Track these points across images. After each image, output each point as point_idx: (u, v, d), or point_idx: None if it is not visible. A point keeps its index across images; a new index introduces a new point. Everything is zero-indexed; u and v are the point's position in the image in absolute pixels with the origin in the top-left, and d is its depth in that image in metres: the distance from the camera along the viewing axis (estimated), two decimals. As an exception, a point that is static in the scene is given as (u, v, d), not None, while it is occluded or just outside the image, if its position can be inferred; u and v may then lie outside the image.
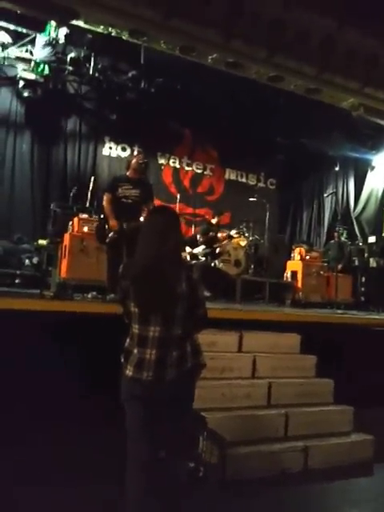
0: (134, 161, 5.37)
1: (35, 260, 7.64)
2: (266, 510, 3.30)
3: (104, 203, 5.28)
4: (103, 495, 3.08)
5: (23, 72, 8.49)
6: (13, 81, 8.67)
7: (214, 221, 8.43)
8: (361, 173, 11.88)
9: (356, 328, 5.81)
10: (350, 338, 5.41)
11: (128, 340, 2.49)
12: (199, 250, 7.84)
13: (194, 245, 7.91)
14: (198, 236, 8.06)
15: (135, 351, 2.41)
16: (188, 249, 7.80)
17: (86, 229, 6.99)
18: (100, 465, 3.38)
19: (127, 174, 5.38)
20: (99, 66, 9.02)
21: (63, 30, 8.27)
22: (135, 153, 9.56)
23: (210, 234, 8.08)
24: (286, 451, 3.96)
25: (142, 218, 5.03)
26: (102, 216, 5.32)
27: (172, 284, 2.37)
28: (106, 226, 5.15)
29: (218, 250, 7.81)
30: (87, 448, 3.56)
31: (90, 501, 3.07)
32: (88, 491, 3.17)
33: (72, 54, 8.76)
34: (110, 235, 5.07)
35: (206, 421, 3.68)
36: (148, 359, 2.37)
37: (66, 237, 7.05)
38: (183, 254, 7.45)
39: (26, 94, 8.61)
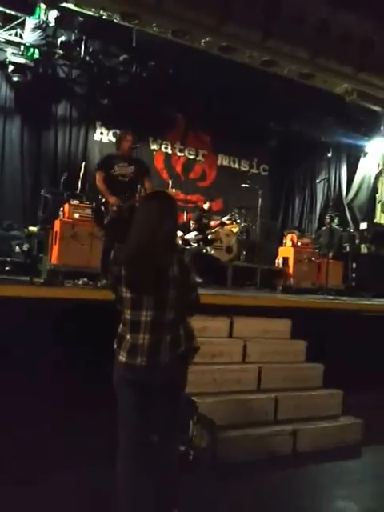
0: (124, 143, 5.28)
1: (25, 247, 7.57)
2: (255, 493, 3.35)
3: (97, 182, 5.14)
4: (95, 479, 3.11)
5: (12, 56, 8.35)
6: (2, 65, 8.51)
7: (205, 206, 8.42)
8: (353, 159, 11.88)
9: (346, 314, 5.85)
10: (340, 323, 5.45)
11: (121, 326, 2.48)
12: (191, 235, 7.84)
13: (187, 230, 7.91)
14: (191, 222, 8.06)
15: (128, 337, 2.41)
16: (180, 233, 7.80)
17: (76, 215, 6.96)
18: (92, 449, 3.41)
19: (118, 151, 5.31)
20: (90, 50, 8.87)
21: (53, 13, 8.10)
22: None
23: (203, 220, 8.08)
24: (275, 435, 4.01)
25: (137, 197, 4.99)
26: (100, 197, 5.19)
27: (163, 268, 2.37)
28: (103, 208, 5.08)
29: (210, 237, 7.82)
30: (80, 433, 3.58)
31: (82, 485, 3.10)
32: (80, 475, 3.19)
33: (62, 38, 8.59)
34: (108, 217, 4.99)
35: (196, 405, 3.71)
36: (141, 344, 2.37)
37: (57, 223, 7.01)
38: (176, 239, 7.45)
39: (15, 79, 8.46)
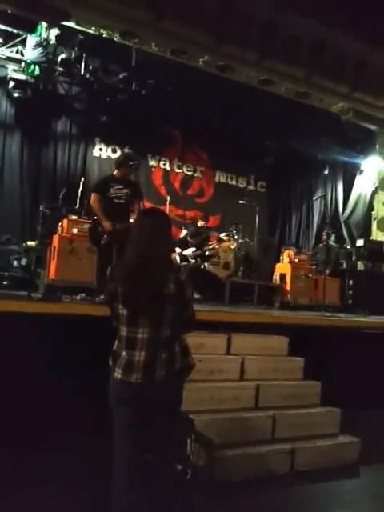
0: (125, 169, 5.35)
1: (23, 261, 7.58)
2: (252, 512, 3.31)
3: (92, 203, 5.25)
4: (90, 498, 3.08)
5: (13, 72, 8.47)
6: (3, 81, 8.63)
7: (199, 224, 8.45)
8: (349, 176, 11.97)
9: (343, 330, 5.85)
10: (338, 340, 5.45)
11: (116, 342, 2.49)
12: (189, 252, 7.86)
13: (185, 246, 7.93)
14: (188, 238, 8.08)
15: (124, 353, 2.41)
16: (178, 250, 7.82)
17: (75, 230, 6.97)
18: (86, 467, 3.37)
19: (114, 174, 5.38)
20: (90, 67, 9.01)
21: (54, 31, 8.25)
22: (125, 150, 9.57)
23: (201, 236, 8.11)
24: (273, 453, 3.97)
25: (132, 218, 5.05)
26: (95, 217, 5.28)
27: (159, 285, 2.38)
28: (99, 228, 5.13)
29: (207, 253, 7.83)
30: (74, 450, 3.55)
31: (77, 503, 3.06)
32: (75, 494, 3.16)
33: (63, 55, 8.73)
34: (104, 237, 5.05)
35: (193, 423, 3.68)
36: (137, 361, 2.37)
37: (55, 238, 7.02)
38: (173, 255, 7.46)
39: (16, 95, 8.58)
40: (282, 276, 8.85)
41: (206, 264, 7.72)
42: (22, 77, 8.49)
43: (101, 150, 9.88)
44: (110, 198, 5.15)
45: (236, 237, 8.42)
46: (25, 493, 3.07)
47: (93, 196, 5.26)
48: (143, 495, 2.40)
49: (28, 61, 8.43)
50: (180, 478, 3.23)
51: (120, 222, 5.00)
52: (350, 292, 9.39)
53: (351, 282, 9.49)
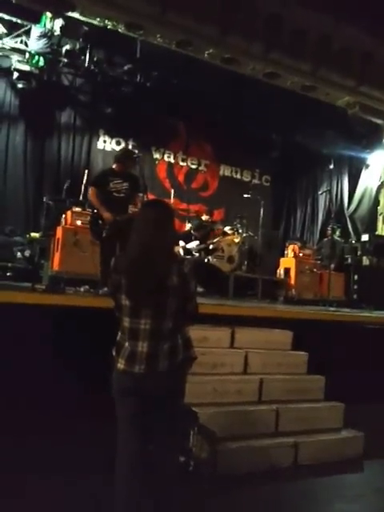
0: (121, 154, 5.32)
1: (27, 253, 7.59)
2: (255, 505, 3.30)
3: (90, 197, 5.26)
4: (93, 489, 3.07)
5: (18, 63, 8.45)
6: (7, 72, 8.61)
7: (203, 217, 8.43)
8: (355, 171, 11.91)
9: (348, 325, 5.83)
10: (342, 335, 5.42)
11: (119, 333, 2.48)
12: (193, 245, 7.84)
13: (188, 240, 7.90)
14: (192, 231, 8.05)
15: (127, 344, 2.41)
16: (182, 243, 7.80)
17: (78, 222, 6.97)
18: (88, 459, 3.37)
19: (114, 167, 5.35)
20: (95, 59, 8.96)
21: (59, 22, 8.20)
22: (129, 146, 9.56)
23: (205, 230, 8.09)
24: (276, 447, 3.96)
25: (132, 211, 5.04)
26: (94, 210, 5.27)
27: (162, 277, 2.37)
28: (100, 221, 5.12)
29: (211, 246, 7.81)
30: (78, 441, 3.55)
31: (79, 495, 3.06)
32: (77, 485, 3.16)
33: (67, 46, 8.69)
34: (105, 229, 5.04)
35: (197, 415, 3.67)
36: (140, 352, 2.37)
37: (59, 230, 7.02)
38: (177, 248, 7.44)
39: (20, 86, 8.57)
40: (287, 270, 8.83)
41: (209, 257, 7.69)
42: (27, 68, 8.48)
43: (105, 142, 9.85)
44: (109, 192, 5.13)
45: (240, 231, 8.39)
46: (25, 485, 3.07)
47: (91, 190, 5.28)
48: (146, 486, 2.40)
49: (32, 52, 8.39)
50: (183, 469, 3.23)
51: (120, 215, 4.97)
52: (355, 287, 9.36)
53: (356, 276, 9.45)
